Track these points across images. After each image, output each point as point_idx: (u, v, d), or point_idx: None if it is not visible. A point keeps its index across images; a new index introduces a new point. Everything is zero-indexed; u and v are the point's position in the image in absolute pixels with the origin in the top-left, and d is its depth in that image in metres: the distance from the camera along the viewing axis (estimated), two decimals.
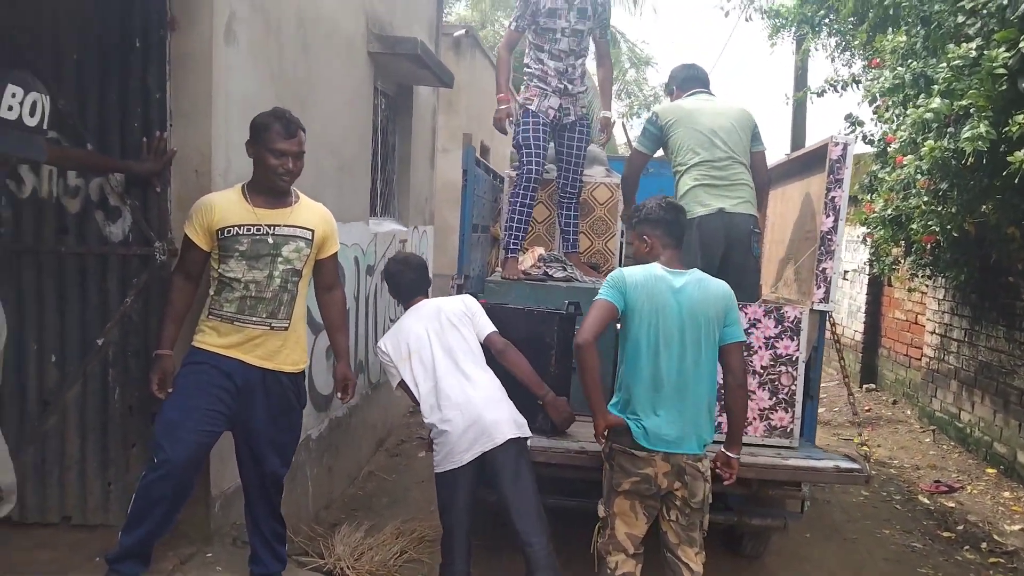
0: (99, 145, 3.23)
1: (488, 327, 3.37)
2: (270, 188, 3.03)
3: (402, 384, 3.34)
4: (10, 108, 2.26)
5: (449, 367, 3.23)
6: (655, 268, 2.95)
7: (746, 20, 10.02)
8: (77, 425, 3.37)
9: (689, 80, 4.15)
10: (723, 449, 3.00)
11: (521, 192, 4.50)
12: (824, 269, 3.37)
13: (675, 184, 3.94)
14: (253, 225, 2.98)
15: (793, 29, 8.78)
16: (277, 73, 3.74)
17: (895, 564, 4.41)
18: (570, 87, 4.57)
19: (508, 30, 4.70)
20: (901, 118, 4.32)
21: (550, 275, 4.25)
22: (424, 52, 5.34)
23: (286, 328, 3.05)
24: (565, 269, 4.36)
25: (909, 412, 7.97)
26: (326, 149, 4.42)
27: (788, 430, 3.49)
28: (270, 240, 2.99)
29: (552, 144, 4.73)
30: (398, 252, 3.79)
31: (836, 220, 3.34)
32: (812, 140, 12.28)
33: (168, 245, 3.24)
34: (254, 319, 3.00)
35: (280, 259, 3.01)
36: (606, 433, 2.97)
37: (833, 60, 8.52)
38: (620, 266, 5.34)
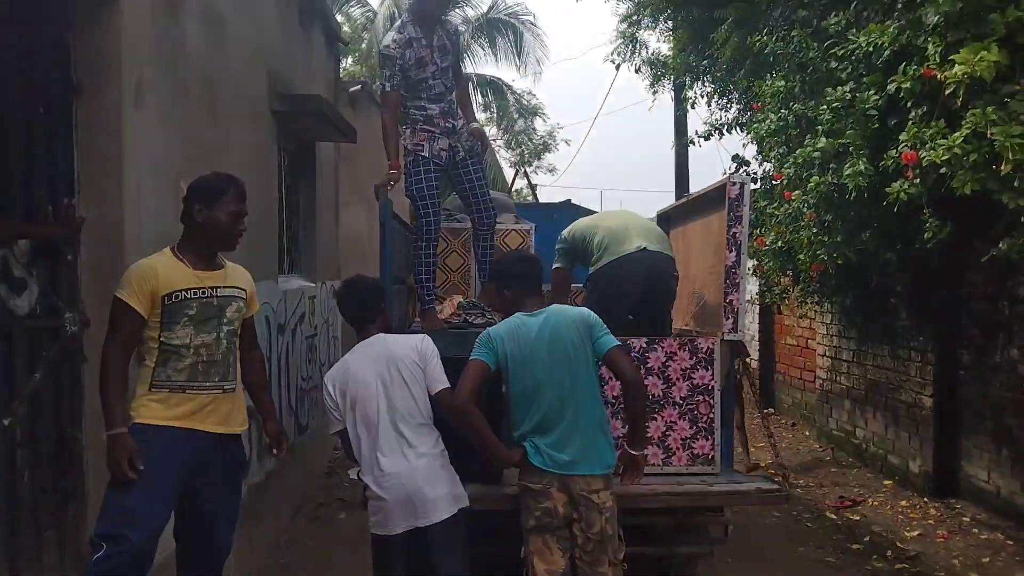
0: (1, 214, 3.10)
1: (439, 382, 3.21)
2: (217, 250, 3.06)
3: (342, 433, 3.28)
4: None
5: (392, 431, 3.14)
6: (516, 317, 3.17)
7: (635, 71, 10.51)
8: None
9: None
10: (626, 447, 3.12)
11: (423, 244, 4.51)
12: (731, 301, 3.59)
13: (591, 254, 4.19)
14: (199, 288, 2.95)
15: (671, 78, 9.32)
16: (185, 136, 3.71)
17: None
18: (455, 124, 4.52)
19: (384, 94, 4.52)
20: (786, 157, 4.67)
21: (471, 322, 4.31)
22: (328, 108, 5.38)
23: (234, 389, 3.04)
24: (484, 315, 4.43)
25: (808, 433, 8.40)
26: None
27: (710, 457, 3.65)
28: (215, 303, 2.98)
29: (451, 185, 4.77)
30: (353, 275, 3.69)
31: (739, 255, 3.56)
32: (696, 181, 12.95)
33: (80, 316, 3.13)
34: (207, 384, 2.95)
35: (224, 320, 3.00)
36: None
37: (710, 105, 9.06)
38: None
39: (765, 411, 9.39)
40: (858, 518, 5.72)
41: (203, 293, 2.96)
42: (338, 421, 3.27)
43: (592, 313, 3.17)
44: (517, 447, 3.11)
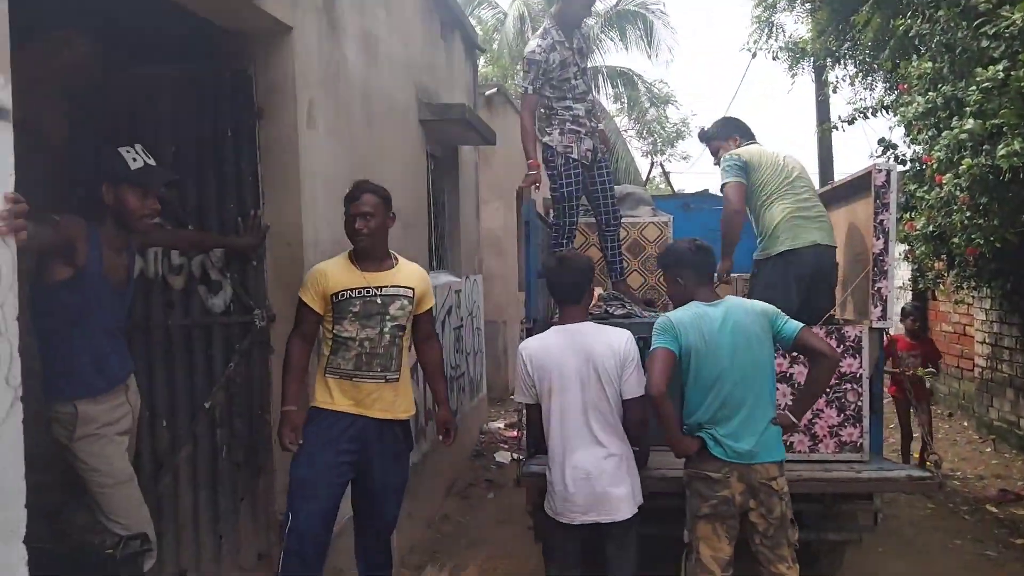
0: (199, 225, 3.55)
1: (634, 389, 3.16)
2: (360, 250, 3.32)
3: (531, 408, 3.34)
4: (134, 159, 2.82)
5: (584, 428, 3.16)
6: (696, 306, 3.14)
7: (773, 59, 10.21)
8: (189, 483, 3.63)
9: (746, 132, 4.45)
10: (788, 411, 3.14)
11: (566, 241, 4.70)
12: (879, 289, 3.56)
13: (758, 218, 4.13)
14: (363, 288, 3.28)
15: (811, 61, 9.04)
16: (349, 149, 4.07)
17: (972, 572, 4.48)
18: (597, 124, 4.73)
19: (525, 95, 4.58)
20: (935, 139, 4.52)
21: (611, 313, 4.46)
22: (470, 115, 5.68)
23: (398, 379, 3.34)
24: (624, 306, 4.57)
25: (966, 423, 7.99)
26: None
27: (858, 444, 3.64)
28: (379, 300, 3.29)
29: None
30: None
31: (886, 242, 3.53)
32: (839, 166, 12.46)
33: (267, 312, 3.53)
34: (370, 374, 3.28)
35: (388, 317, 3.30)
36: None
37: (853, 87, 8.75)
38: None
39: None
40: (1022, 512, 5.44)
41: (367, 292, 3.28)
42: (532, 397, 3.28)
43: (770, 304, 3.18)
44: (691, 437, 3.11)
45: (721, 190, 4.26)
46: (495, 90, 9.53)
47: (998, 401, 7.26)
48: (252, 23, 3.33)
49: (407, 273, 3.42)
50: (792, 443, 3.28)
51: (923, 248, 5.85)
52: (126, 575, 2.62)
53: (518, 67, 21.04)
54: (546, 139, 4.65)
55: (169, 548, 3.66)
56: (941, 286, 7.18)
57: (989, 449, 7.07)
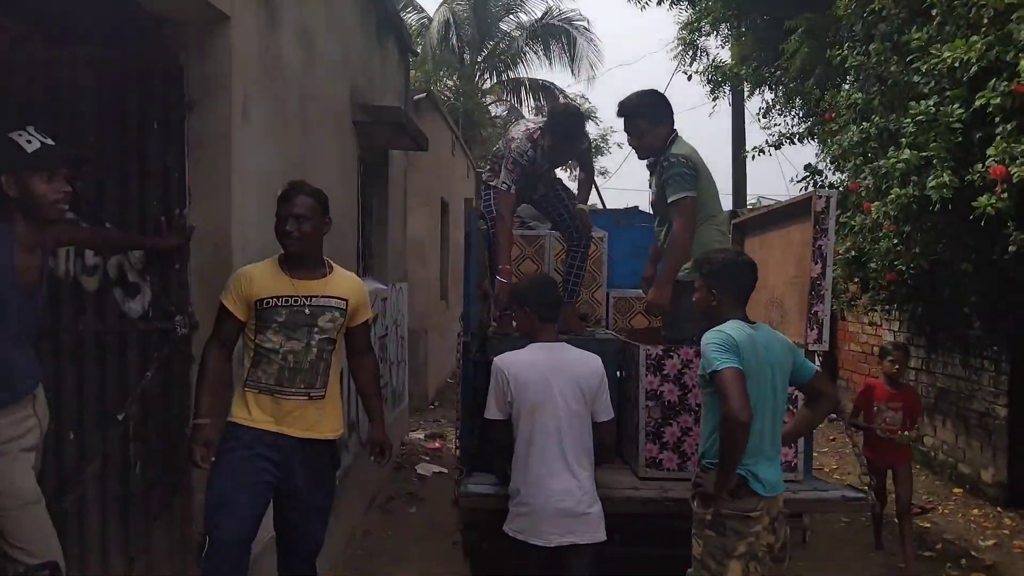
0: (118, 224, 3.30)
1: (604, 413, 3.21)
2: (290, 256, 3.11)
3: (497, 425, 3.23)
4: (28, 142, 2.56)
5: (566, 449, 3.11)
6: (741, 326, 2.88)
7: (687, 78, 10.34)
8: (97, 501, 3.35)
9: (672, 116, 3.99)
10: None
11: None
12: (816, 312, 3.62)
13: (718, 211, 4.05)
14: (291, 296, 3.05)
15: (732, 85, 9.25)
16: (283, 148, 3.88)
17: None
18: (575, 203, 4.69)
19: (502, 192, 4.37)
20: (862, 168, 4.68)
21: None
22: (405, 119, 5.54)
23: (323, 397, 3.10)
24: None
25: None
26: None
27: (792, 464, 3.69)
28: (307, 311, 3.06)
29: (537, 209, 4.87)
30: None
31: (823, 267, 3.59)
32: (752, 192, 12.86)
33: (189, 319, 3.31)
34: (292, 390, 3.05)
35: (316, 329, 3.07)
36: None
37: (767, 115, 8.90)
38: (608, 315, 5.56)
39: (831, 417, 9.32)
40: (928, 526, 5.67)
41: (295, 301, 3.04)
42: (504, 412, 3.19)
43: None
44: (712, 472, 2.84)
45: (672, 203, 3.84)
46: (424, 95, 9.41)
47: None
48: (186, 10, 3.12)
49: (341, 283, 3.20)
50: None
51: (840, 271, 6.06)
52: None
53: (440, 73, 21.04)
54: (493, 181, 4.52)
55: (73, 569, 3.37)
56: (854, 307, 7.46)
57: None
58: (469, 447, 3.97)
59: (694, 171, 3.83)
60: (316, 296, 3.09)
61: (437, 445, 7.93)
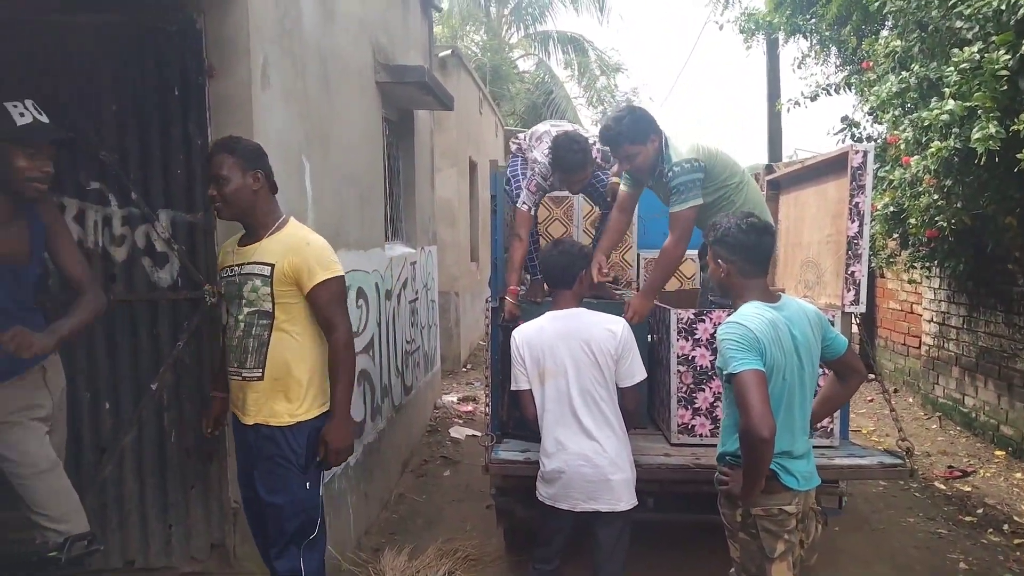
0: (144, 193, 3.29)
1: (634, 375, 3.07)
2: (242, 223, 2.83)
3: (523, 394, 3.16)
4: (22, 115, 2.54)
5: (583, 415, 3.04)
6: (762, 309, 2.53)
7: (719, 28, 10.05)
8: (135, 470, 3.41)
9: (655, 126, 3.76)
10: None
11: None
12: (853, 272, 3.50)
13: (731, 199, 3.77)
14: (230, 266, 2.81)
15: (766, 34, 8.95)
16: (304, 112, 3.82)
17: (925, 551, 4.55)
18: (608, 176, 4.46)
19: (522, 213, 4.20)
20: (901, 119, 4.49)
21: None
22: (429, 78, 5.43)
23: (260, 379, 2.73)
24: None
25: (911, 400, 8.17)
26: (348, 180, 4.50)
27: (828, 430, 3.62)
28: (236, 281, 2.76)
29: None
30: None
31: (861, 225, 3.47)
32: (788, 146, 12.46)
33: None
34: (231, 370, 2.83)
35: (244, 301, 2.74)
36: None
37: (801, 66, 8.63)
38: (638, 277, 5.48)
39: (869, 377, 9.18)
40: (969, 489, 5.56)
41: (230, 272, 2.79)
42: (526, 383, 3.13)
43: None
44: (737, 470, 2.58)
45: (673, 214, 3.61)
46: (449, 52, 9.24)
47: (944, 379, 7.42)
48: None
49: (271, 245, 2.72)
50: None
51: (877, 228, 5.88)
52: None
53: (467, 28, 20.72)
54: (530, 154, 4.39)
55: (114, 537, 3.45)
56: (893, 265, 7.28)
57: (935, 426, 7.23)
58: (499, 413, 3.95)
59: (702, 169, 3.59)
60: (245, 264, 2.74)
61: (469, 408, 7.95)
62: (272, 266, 2.68)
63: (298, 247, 2.70)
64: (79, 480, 3.32)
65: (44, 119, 2.59)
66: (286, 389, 2.74)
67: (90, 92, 3.26)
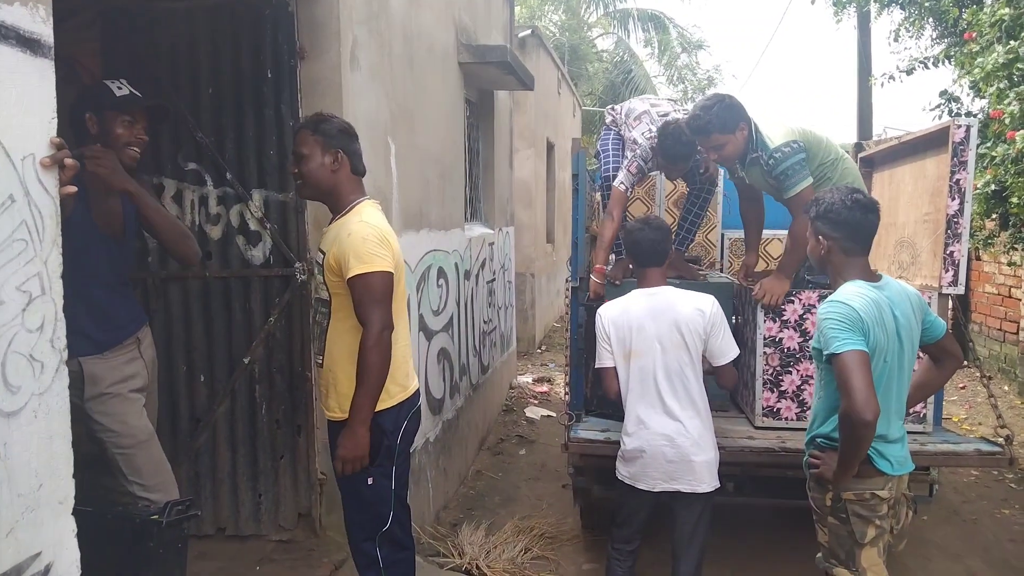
0: (238, 174, 3.40)
1: (726, 353, 3.03)
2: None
3: (607, 371, 3.14)
4: (119, 88, 2.65)
5: (667, 394, 3.02)
6: (865, 288, 2.45)
7: (811, 2, 9.61)
8: (227, 440, 3.55)
9: (744, 113, 3.65)
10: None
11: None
12: (952, 252, 3.36)
13: (827, 177, 3.66)
14: (320, 248, 2.78)
15: (857, 5, 8.57)
16: (390, 91, 3.87)
17: (1022, 545, 4.36)
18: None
19: (619, 192, 4.12)
20: (1006, 92, 4.25)
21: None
22: (512, 58, 5.43)
23: (320, 365, 2.74)
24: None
25: (1007, 388, 7.81)
26: (431, 160, 4.55)
27: (921, 415, 3.50)
28: (319, 263, 2.76)
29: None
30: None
31: (962, 202, 3.32)
32: (876, 125, 11.92)
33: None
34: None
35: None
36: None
37: (898, 38, 8.23)
38: (722, 257, 5.38)
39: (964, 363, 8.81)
40: None
41: (319, 256, 2.74)
42: (611, 360, 3.12)
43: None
44: (829, 452, 2.53)
45: (790, 200, 3.51)
46: (529, 32, 9.20)
47: None
48: None
49: (332, 231, 2.65)
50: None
51: (977, 207, 5.60)
52: (170, 540, 2.51)
53: (546, 7, 20.56)
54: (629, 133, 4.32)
55: (207, 505, 3.60)
56: (991, 246, 6.93)
57: None
58: (579, 392, 3.95)
59: (803, 149, 3.51)
60: (320, 247, 2.74)
61: (545, 389, 7.99)
62: (324, 254, 2.64)
63: (341, 237, 2.56)
64: (175, 449, 3.50)
65: (138, 94, 2.71)
66: (336, 382, 2.67)
67: (188, 76, 3.37)
